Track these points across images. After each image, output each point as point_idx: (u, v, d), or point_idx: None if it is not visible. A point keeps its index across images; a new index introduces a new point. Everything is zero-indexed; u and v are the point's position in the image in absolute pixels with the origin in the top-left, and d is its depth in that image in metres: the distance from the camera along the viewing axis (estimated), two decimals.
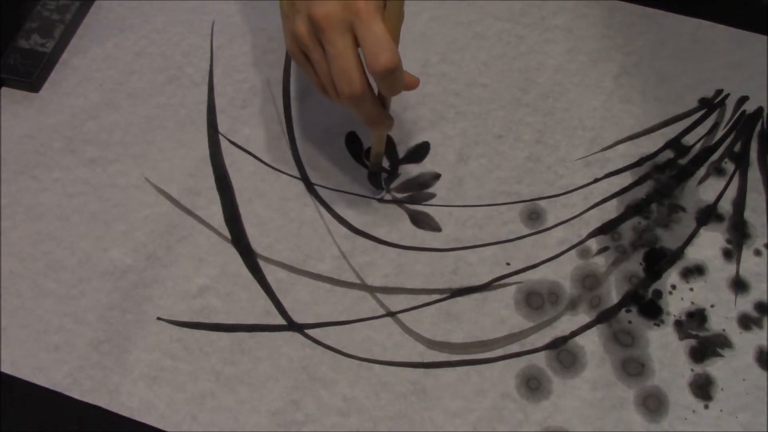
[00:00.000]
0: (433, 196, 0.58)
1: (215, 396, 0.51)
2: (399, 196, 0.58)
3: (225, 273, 0.55)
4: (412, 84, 0.51)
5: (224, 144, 0.60)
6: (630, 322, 0.53)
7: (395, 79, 0.46)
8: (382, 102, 0.51)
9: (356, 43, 0.46)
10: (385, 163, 0.59)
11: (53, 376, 0.52)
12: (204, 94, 0.62)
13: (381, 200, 0.58)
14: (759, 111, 0.60)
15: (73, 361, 0.52)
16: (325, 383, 0.51)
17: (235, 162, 0.59)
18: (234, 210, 0.57)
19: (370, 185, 0.58)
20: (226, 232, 0.56)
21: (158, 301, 0.54)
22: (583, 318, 0.53)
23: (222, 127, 0.60)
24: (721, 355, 0.52)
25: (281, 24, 0.52)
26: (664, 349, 0.52)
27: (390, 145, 0.59)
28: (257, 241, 0.56)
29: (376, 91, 0.50)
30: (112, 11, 0.66)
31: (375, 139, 0.55)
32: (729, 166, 0.58)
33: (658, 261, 0.55)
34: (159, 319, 0.54)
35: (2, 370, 0.52)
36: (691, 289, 0.54)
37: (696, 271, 0.55)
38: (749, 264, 0.55)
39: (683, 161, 0.59)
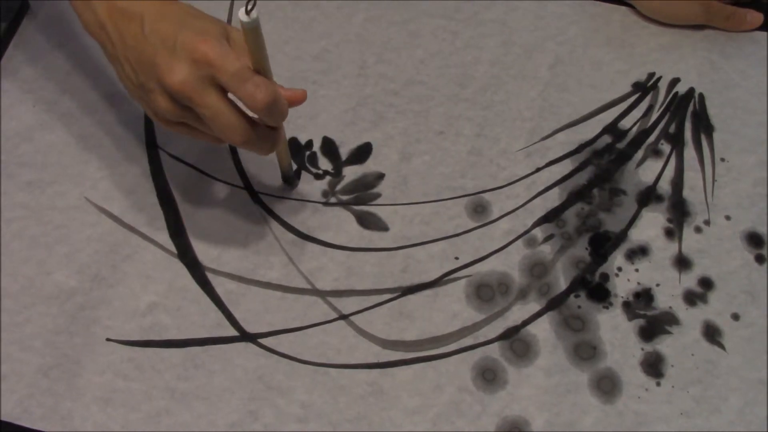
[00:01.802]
0: (378, 195, 0.58)
1: (171, 413, 0.50)
2: (344, 198, 0.58)
3: (173, 288, 0.54)
4: (299, 99, 0.48)
5: (164, 158, 0.59)
6: (579, 306, 0.54)
7: (277, 108, 0.45)
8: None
9: (224, 90, 0.44)
10: (327, 166, 0.59)
11: (2, 406, 0.50)
12: (140, 108, 0.60)
13: (326, 203, 0.57)
14: (691, 92, 0.62)
15: (22, 390, 0.51)
16: (281, 391, 0.51)
17: (176, 175, 0.58)
18: (178, 224, 0.57)
19: (288, 185, 0.58)
20: (172, 247, 0.56)
21: (106, 321, 0.53)
22: (533, 306, 0.54)
23: (161, 140, 0.60)
24: (669, 333, 0.53)
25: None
26: (614, 330, 0.53)
27: (332, 148, 0.59)
28: (204, 254, 0.55)
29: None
30: (40, 32, 0.65)
31: (278, 154, 0.55)
32: (665, 147, 0.60)
33: (603, 245, 0.56)
34: (108, 340, 0.53)
35: None
36: (637, 270, 0.55)
37: (640, 251, 0.56)
38: (690, 241, 0.56)
39: (621, 145, 0.60)
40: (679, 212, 0.57)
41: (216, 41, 0.43)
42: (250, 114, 0.46)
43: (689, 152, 0.59)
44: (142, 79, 0.46)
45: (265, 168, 0.59)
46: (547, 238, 0.56)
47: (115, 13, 0.47)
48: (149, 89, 0.45)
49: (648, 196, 0.58)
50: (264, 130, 0.47)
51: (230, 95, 0.45)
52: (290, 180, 0.58)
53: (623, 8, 0.66)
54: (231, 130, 0.45)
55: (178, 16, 0.45)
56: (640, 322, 0.53)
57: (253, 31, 0.43)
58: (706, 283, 0.55)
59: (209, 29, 0.45)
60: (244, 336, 0.53)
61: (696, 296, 0.54)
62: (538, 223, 0.57)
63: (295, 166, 0.58)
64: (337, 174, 0.59)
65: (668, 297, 0.54)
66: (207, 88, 0.44)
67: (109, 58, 0.49)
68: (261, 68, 0.45)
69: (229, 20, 0.65)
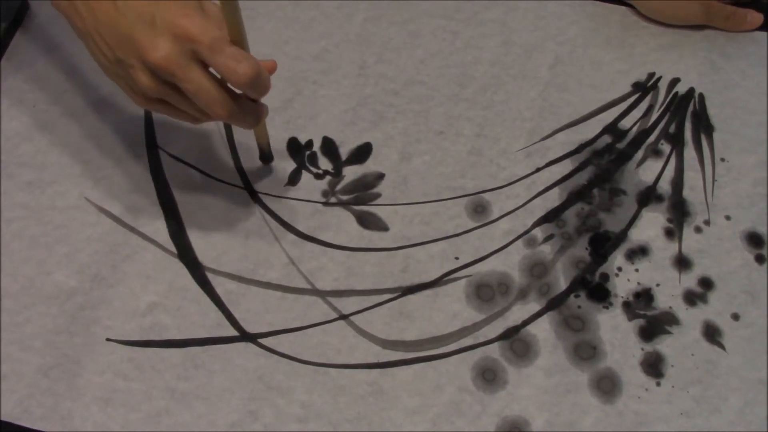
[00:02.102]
0: (378, 195, 0.58)
1: (171, 413, 0.50)
2: (344, 197, 0.58)
3: (173, 288, 0.54)
4: (272, 69, 0.48)
5: (164, 158, 0.59)
6: (579, 306, 0.54)
7: (260, 81, 0.45)
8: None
9: (206, 65, 0.44)
10: (328, 166, 0.59)
11: (2, 406, 0.50)
12: (140, 108, 0.61)
13: (326, 203, 0.57)
14: (691, 92, 0.62)
15: (22, 390, 0.51)
16: (281, 391, 0.51)
17: (176, 175, 0.58)
18: (178, 224, 0.57)
19: (264, 164, 0.58)
20: (172, 247, 0.56)
21: (106, 321, 0.53)
22: (533, 306, 0.54)
23: (161, 140, 0.60)
24: (669, 333, 0.53)
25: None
26: (614, 330, 0.53)
27: (332, 148, 0.59)
28: (204, 254, 0.55)
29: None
30: (40, 32, 0.65)
31: (257, 131, 0.55)
32: (665, 147, 0.60)
33: (603, 245, 0.56)
34: (108, 340, 0.53)
35: None
36: (637, 270, 0.55)
37: (640, 251, 0.56)
38: (690, 241, 0.56)
39: (621, 145, 0.60)
40: (679, 212, 0.57)
41: (197, 16, 0.43)
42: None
43: (689, 152, 0.59)
44: (119, 55, 0.45)
45: (266, 168, 0.59)
46: (547, 238, 0.56)
47: None
48: (129, 65, 0.45)
49: (648, 196, 0.58)
50: (247, 103, 0.48)
51: (211, 69, 0.45)
52: (267, 157, 0.58)
53: (623, 8, 0.66)
54: (215, 103, 0.45)
55: None
56: (640, 322, 0.53)
57: (232, 6, 0.43)
58: (706, 283, 0.55)
59: (187, 3, 0.44)
60: (244, 336, 0.53)
61: (696, 296, 0.54)
62: (538, 223, 0.57)
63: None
64: (337, 174, 0.59)
65: (668, 297, 0.54)
66: (190, 63, 0.44)
67: (78, 33, 0.49)
68: (238, 41, 0.45)
69: None
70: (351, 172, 0.59)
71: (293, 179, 0.58)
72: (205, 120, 0.49)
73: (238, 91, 0.47)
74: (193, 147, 0.59)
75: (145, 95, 0.47)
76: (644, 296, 0.54)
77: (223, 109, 0.45)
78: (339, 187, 0.58)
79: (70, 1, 0.47)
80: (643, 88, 0.62)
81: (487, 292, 0.54)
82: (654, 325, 0.53)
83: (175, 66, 0.43)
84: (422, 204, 0.58)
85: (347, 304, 0.54)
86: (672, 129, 0.60)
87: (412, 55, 0.64)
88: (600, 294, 0.54)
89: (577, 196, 0.58)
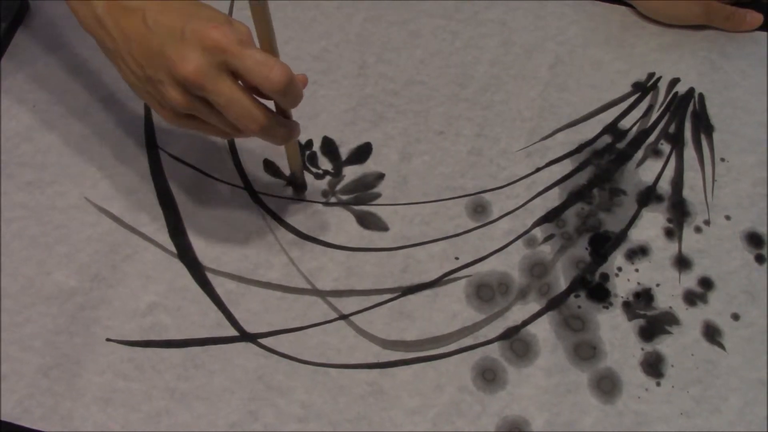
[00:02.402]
0: (378, 195, 0.58)
1: (171, 413, 0.50)
2: (344, 197, 0.58)
3: (173, 288, 0.54)
4: (303, 82, 0.48)
5: (164, 158, 0.59)
6: (579, 306, 0.54)
7: (293, 88, 0.45)
8: (283, 113, 0.49)
9: (236, 78, 0.44)
10: (328, 166, 0.59)
11: (2, 406, 0.50)
12: (140, 108, 0.61)
13: (326, 203, 0.57)
14: (690, 92, 0.62)
15: (22, 390, 0.51)
16: (281, 391, 0.51)
17: (176, 175, 0.58)
18: (178, 224, 0.57)
19: (296, 193, 0.58)
20: (172, 247, 0.56)
21: (106, 321, 0.53)
22: (533, 306, 0.54)
23: (161, 140, 0.60)
24: (669, 333, 0.53)
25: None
26: (614, 330, 0.53)
27: (332, 148, 0.59)
28: (204, 254, 0.55)
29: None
30: (40, 32, 0.65)
31: (289, 149, 0.54)
32: (665, 147, 0.60)
33: (603, 245, 0.56)
34: (108, 340, 0.53)
35: None
36: (637, 270, 0.55)
37: (640, 251, 0.56)
38: (690, 241, 0.56)
39: (621, 145, 0.60)
40: (679, 212, 0.57)
41: (226, 26, 0.43)
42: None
43: (689, 152, 0.59)
44: (149, 72, 0.45)
45: (267, 168, 0.59)
46: (547, 238, 0.56)
47: (115, 8, 0.46)
48: (158, 81, 0.45)
49: (648, 196, 0.58)
50: (278, 116, 0.47)
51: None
52: (301, 184, 0.57)
53: (623, 8, 0.66)
54: (247, 116, 0.44)
55: (181, 7, 0.45)
56: (640, 322, 0.53)
57: (262, 9, 0.43)
58: (706, 283, 0.55)
59: (216, 17, 0.45)
60: (244, 336, 0.53)
61: (696, 296, 0.54)
62: (538, 223, 0.57)
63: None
64: (337, 174, 0.59)
65: (668, 297, 0.54)
66: (220, 75, 0.43)
67: (108, 54, 0.49)
68: (269, 50, 0.45)
69: None
70: (351, 172, 0.59)
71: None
72: (235, 135, 0.48)
73: (268, 106, 0.46)
74: (193, 147, 0.59)
75: (174, 111, 0.46)
76: (644, 296, 0.54)
77: (253, 121, 0.45)
78: (339, 187, 0.58)
79: (99, 22, 0.47)
80: (643, 88, 0.62)
81: (487, 292, 0.54)
82: (654, 325, 0.53)
83: (205, 78, 0.43)
84: (422, 204, 0.58)
85: (347, 304, 0.54)
86: (672, 129, 0.60)
87: (412, 55, 0.64)
88: (600, 294, 0.54)
89: (577, 196, 0.58)
